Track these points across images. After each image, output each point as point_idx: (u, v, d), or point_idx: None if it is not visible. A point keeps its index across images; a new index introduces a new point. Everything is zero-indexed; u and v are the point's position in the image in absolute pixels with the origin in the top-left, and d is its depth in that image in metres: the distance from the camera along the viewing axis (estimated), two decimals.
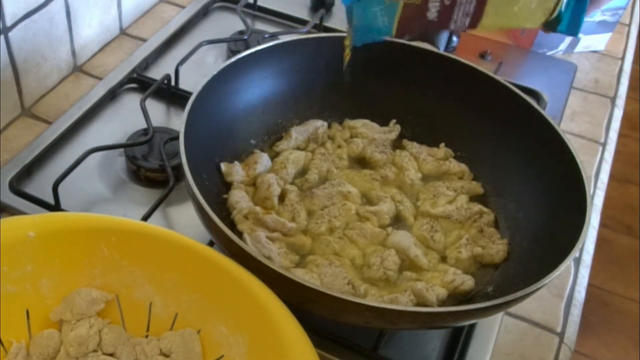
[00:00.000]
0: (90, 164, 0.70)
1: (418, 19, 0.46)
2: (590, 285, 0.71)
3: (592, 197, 0.77)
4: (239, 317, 0.50)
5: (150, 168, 0.71)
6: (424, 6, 0.45)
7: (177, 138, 0.57)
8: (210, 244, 0.58)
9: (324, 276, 0.57)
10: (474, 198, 0.67)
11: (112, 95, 0.81)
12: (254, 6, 0.97)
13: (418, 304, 0.57)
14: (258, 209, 0.61)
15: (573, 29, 0.48)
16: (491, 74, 0.68)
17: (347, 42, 0.48)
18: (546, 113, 0.64)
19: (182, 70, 0.80)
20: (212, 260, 0.51)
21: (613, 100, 0.92)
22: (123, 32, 0.91)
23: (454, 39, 0.91)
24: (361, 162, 0.70)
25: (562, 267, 0.51)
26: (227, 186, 0.65)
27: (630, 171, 2.15)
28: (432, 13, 0.46)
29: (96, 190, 0.70)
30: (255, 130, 0.70)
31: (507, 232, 0.64)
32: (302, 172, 0.68)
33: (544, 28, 0.49)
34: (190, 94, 0.60)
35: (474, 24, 0.46)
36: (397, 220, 0.64)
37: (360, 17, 0.46)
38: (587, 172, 0.59)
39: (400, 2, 0.45)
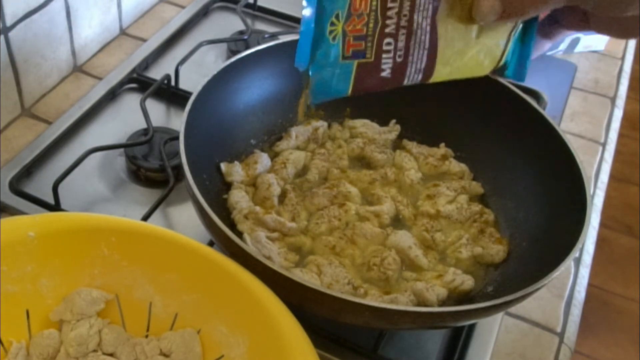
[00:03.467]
0: (90, 164, 0.70)
1: (373, 77, 0.47)
2: (590, 285, 0.71)
3: (592, 197, 0.77)
4: (239, 317, 0.50)
5: (150, 168, 0.71)
6: (378, 65, 0.46)
7: (177, 138, 0.57)
8: (210, 244, 0.58)
9: (324, 276, 0.57)
10: (474, 198, 0.67)
11: (112, 95, 0.81)
12: (254, 6, 0.97)
13: (418, 304, 0.57)
14: (258, 209, 0.61)
15: (520, 74, 0.50)
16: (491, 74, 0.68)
17: (301, 101, 0.49)
18: (546, 113, 0.64)
19: (182, 70, 0.80)
20: (212, 260, 0.51)
21: (613, 100, 0.92)
22: (123, 32, 0.91)
23: None
24: (361, 162, 0.70)
25: (562, 267, 0.51)
26: (227, 186, 0.65)
27: (630, 171, 2.15)
28: (386, 71, 0.47)
29: (96, 190, 0.70)
30: (255, 130, 0.70)
31: (507, 232, 0.64)
32: (302, 172, 0.68)
33: (491, 74, 0.51)
34: (190, 94, 0.60)
35: (426, 78, 0.48)
36: (397, 220, 0.64)
37: (316, 80, 0.47)
38: (587, 172, 0.59)
39: (354, 63, 0.46)
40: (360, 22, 0.45)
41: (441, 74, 0.48)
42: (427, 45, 0.46)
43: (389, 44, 0.46)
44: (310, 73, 0.46)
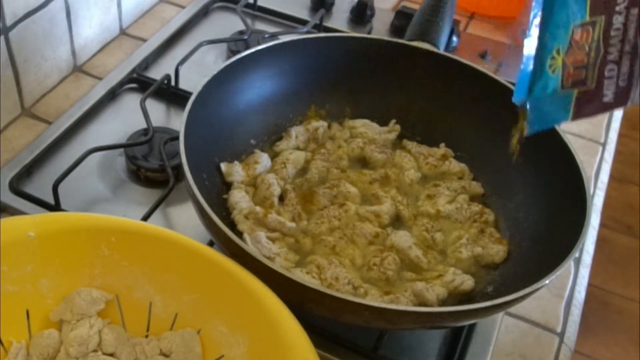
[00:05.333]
0: (90, 164, 0.70)
1: (593, 103, 0.47)
2: (590, 285, 0.71)
3: (592, 197, 0.77)
4: (239, 317, 0.50)
5: (150, 168, 0.71)
6: (599, 91, 0.46)
7: (177, 138, 0.57)
8: (210, 244, 0.58)
9: (324, 276, 0.57)
10: (474, 198, 0.67)
11: (112, 95, 0.81)
12: (254, 6, 0.97)
13: (418, 304, 0.57)
14: (258, 209, 0.61)
15: None
16: (491, 74, 0.68)
17: (516, 134, 0.50)
18: None
19: (182, 70, 0.80)
20: (212, 260, 0.51)
21: None
22: (123, 32, 0.91)
23: (454, 39, 0.91)
24: (361, 162, 0.70)
25: (562, 267, 0.51)
26: (227, 186, 0.65)
27: (630, 171, 2.15)
28: (608, 97, 0.46)
29: (96, 190, 0.70)
30: (255, 130, 0.70)
31: (507, 232, 0.64)
32: (302, 172, 0.68)
33: None
34: (190, 94, 0.60)
35: None
36: (397, 220, 0.64)
37: (534, 112, 0.48)
38: (587, 172, 0.59)
39: (574, 93, 0.46)
40: (581, 53, 0.45)
41: None
42: None
43: (611, 70, 0.46)
44: (527, 106, 0.47)
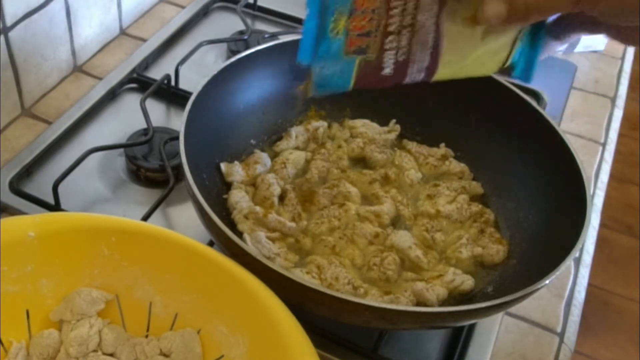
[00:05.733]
0: (90, 164, 0.70)
1: (374, 74, 0.47)
2: (590, 285, 0.71)
3: (592, 197, 0.77)
4: (239, 317, 0.50)
5: (150, 168, 0.71)
6: (380, 63, 0.47)
7: (177, 138, 0.57)
8: (210, 244, 0.58)
9: (324, 276, 0.57)
10: (474, 198, 0.67)
11: (112, 95, 0.81)
12: (254, 6, 0.97)
13: (418, 304, 0.57)
14: (258, 209, 0.61)
15: (527, 76, 0.49)
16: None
17: (303, 89, 0.50)
18: (546, 113, 0.64)
19: (182, 70, 0.80)
20: (212, 260, 0.51)
21: (613, 100, 0.92)
22: (123, 32, 0.91)
23: None
24: (361, 162, 0.70)
25: (562, 267, 0.51)
26: (227, 186, 0.65)
27: (630, 171, 2.15)
28: (387, 70, 0.47)
29: (96, 190, 0.70)
30: (255, 130, 0.70)
31: (507, 232, 0.64)
32: (302, 172, 0.68)
33: (497, 74, 0.51)
34: (190, 94, 0.60)
35: (428, 77, 0.48)
36: (397, 220, 0.64)
37: (319, 75, 0.48)
38: (587, 172, 0.59)
39: (357, 60, 0.46)
40: (364, 19, 0.45)
41: (444, 73, 0.48)
42: (430, 45, 0.46)
43: (391, 42, 0.46)
44: (312, 68, 0.47)
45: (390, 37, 0.46)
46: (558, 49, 0.50)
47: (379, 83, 0.47)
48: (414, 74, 0.47)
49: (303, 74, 0.48)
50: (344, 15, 0.45)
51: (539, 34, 0.48)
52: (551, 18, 0.48)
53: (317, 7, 0.45)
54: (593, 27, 0.47)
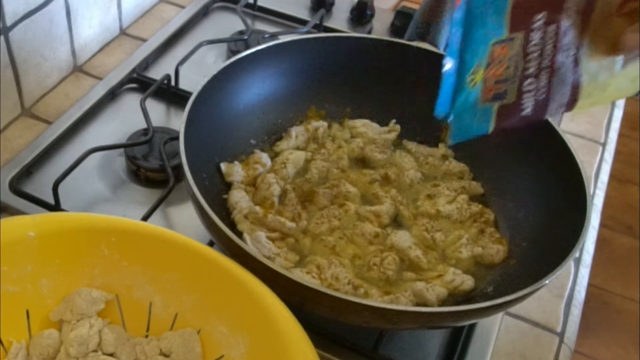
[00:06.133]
0: (90, 164, 0.70)
1: (513, 116, 0.48)
2: (590, 285, 0.71)
3: (592, 197, 0.77)
4: (239, 317, 0.50)
5: (150, 168, 0.71)
6: (519, 105, 0.47)
7: (177, 138, 0.57)
8: (210, 244, 0.58)
9: (324, 276, 0.57)
10: (474, 198, 0.67)
11: (112, 95, 0.81)
12: (254, 6, 0.97)
13: (418, 304, 0.57)
14: (258, 209, 0.61)
15: None
16: None
17: (444, 138, 0.53)
18: None
19: (182, 70, 0.80)
20: (212, 260, 0.51)
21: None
22: (123, 32, 0.91)
23: None
24: (361, 162, 0.70)
25: (562, 267, 0.51)
26: (227, 186, 0.65)
27: (630, 171, 2.15)
28: (527, 110, 0.47)
29: (96, 190, 0.70)
30: (255, 130, 0.70)
31: (507, 232, 0.64)
32: (302, 172, 0.68)
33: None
34: (190, 94, 0.60)
35: (568, 110, 0.48)
36: (397, 220, 0.64)
37: (457, 126, 0.49)
38: (587, 172, 0.59)
39: (495, 106, 0.47)
40: (501, 68, 0.46)
41: (584, 104, 0.48)
42: (570, 82, 0.46)
43: (530, 84, 0.46)
44: (450, 120, 0.49)
45: (529, 80, 0.46)
46: None
47: (519, 124, 0.48)
48: (553, 111, 0.48)
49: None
50: (482, 68, 0.46)
51: None
52: None
53: (456, 62, 0.46)
54: None
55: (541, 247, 0.59)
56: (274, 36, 0.87)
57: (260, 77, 0.68)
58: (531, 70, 0.46)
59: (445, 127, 0.50)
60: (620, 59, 0.46)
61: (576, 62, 0.46)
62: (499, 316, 0.63)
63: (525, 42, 0.46)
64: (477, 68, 0.47)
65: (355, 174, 0.67)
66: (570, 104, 0.47)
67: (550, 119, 0.63)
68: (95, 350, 0.52)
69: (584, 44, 0.46)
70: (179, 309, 0.53)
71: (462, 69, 0.47)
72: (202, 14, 0.96)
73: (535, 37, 0.46)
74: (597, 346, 1.69)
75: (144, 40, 0.90)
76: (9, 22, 0.70)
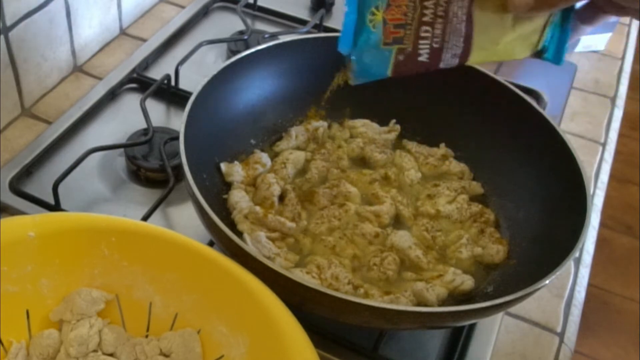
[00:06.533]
0: (90, 164, 0.70)
1: (411, 61, 0.51)
2: (590, 285, 0.71)
3: (592, 197, 0.77)
4: (239, 317, 0.50)
5: (150, 168, 0.71)
6: (415, 50, 0.50)
7: (177, 138, 0.57)
8: (210, 244, 0.58)
9: (324, 276, 0.57)
10: (474, 198, 0.67)
11: (112, 95, 0.81)
12: (254, 6, 0.97)
13: (418, 304, 0.57)
14: (258, 209, 0.61)
15: (557, 58, 0.52)
16: (491, 74, 0.68)
17: (345, 77, 0.54)
18: (546, 113, 0.64)
19: (182, 70, 0.80)
20: (212, 260, 0.51)
21: (613, 100, 0.92)
22: (123, 32, 0.91)
23: None
24: (361, 162, 0.70)
25: (562, 267, 0.51)
26: (227, 186, 0.65)
27: (630, 171, 2.15)
28: (423, 56, 0.50)
29: (96, 190, 0.70)
30: (255, 130, 0.70)
31: (507, 232, 0.64)
32: (302, 172, 0.68)
33: (529, 57, 0.53)
34: (190, 94, 0.60)
35: (462, 62, 0.51)
36: (397, 220, 0.64)
37: (358, 64, 0.51)
38: (587, 172, 0.59)
39: (394, 49, 0.50)
40: (399, 12, 0.49)
41: (477, 57, 0.50)
42: (462, 33, 0.49)
43: (426, 31, 0.49)
44: (352, 57, 0.51)
45: (425, 27, 0.49)
46: (587, 31, 0.52)
47: (415, 69, 0.51)
48: (448, 60, 0.50)
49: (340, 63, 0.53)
50: (381, 9, 0.49)
51: (569, 18, 0.50)
52: (581, 3, 0.49)
53: (356, 2, 0.49)
54: (621, 10, 0.48)
55: (541, 247, 0.59)
56: (274, 36, 0.87)
57: (260, 77, 0.68)
58: (427, 17, 0.49)
59: (347, 65, 0.52)
60: (510, 15, 0.48)
61: (469, 14, 0.48)
62: (499, 316, 0.63)
63: None
64: (376, 9, 0.49)
65: (355, 174, 0.67)
66: (464, 56, 0.50)
67: (550, 119, 0.63)
68: (95, 350, 0.52)
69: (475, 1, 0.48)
70: (179, 309, 0.53)
71: (362, 6, 0.49)
72: (202, 14, 0.96)
73: None
74: (597, 346, 1.68)
75: (144, 40, 0.90)
76: (9, 22, 0.70)
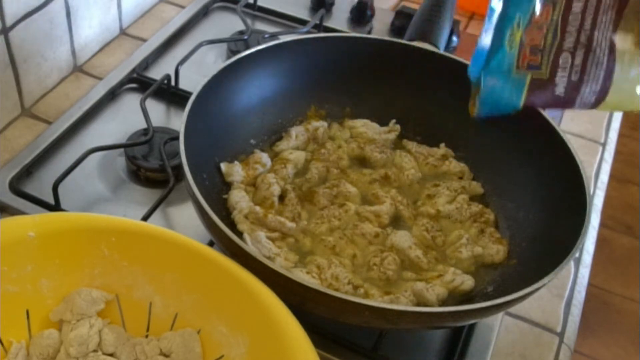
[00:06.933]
0: (90, 164, 0.70)
1: (545, 93, 0.47)
2: (590, 285, 0.71)
3: (592, 197, 0.77)
4: (239, 317, 0.50)
5: (150, 168, 0.71)
6: (552, 82, 0.46)
7: (177, 138, 0.57)
8: (210, 244, 0.58)
9: (324, 276, 0.57)
10: (474, 198, 0.67)
11: (112, 95, 0.81)
12: (254, 6, 0.97)
13: (418, 304, 0.57)
14: (258, 209, 0.61)
15: None
16: None
17: (471, 109, 0.50)
18: (546, 113, 0.64)
19: (182, 70, 0.80)
20: (212, 260, 0.51)
21: None
22: (123, 32, 0.91)
23: (454, 39, 0.91)
24: (361, 162, 0.70)
25: (562, 267, 0.51)
26: (227, 186, 0.65)
27: (630, 171, 2.15)
28: (560, 89, 0.46)
29: (96, 190, 0.70)
30: (255, 130, 0.70)
31: (507, 232, 0.64)
32: (302, 172, 0.68)
33: None
34: (190, 94, 0.60)
35: (597, 101, 0.47)
36: (397, 220, 0.64)
37: (488, 89, 0.47)
38: (587, 172, 0.59)
39: (528, 77, 0.46)
40: (539, 34, 0.45)
41: (612, 99, 0.46)
42: (604, 66, 0.45)
43: (565, 59, 0.45)
44: (482, 80, 0.47)
45: (565, 54, 0.45)
46: None
47: (549, 104, 0.47)
48: (586, 96, 0.46)
49: None
50: (522, 27, 0.45)
51: None
52: None
53: (498, 16, 0.45)
54: None
55: (541, 247, 0.59)
56: (274, 36, 0.87)
57: (260, 77, 0.68)
58: (568, 43, 0.45)
59: (475, 92, 0.47)
60: None
61: (612, 46, 0.45)
62: (499, 316, 0.63)
63: (566, 9, 0.45)
64: (517, 26, 0.45)
65: (355, 174, 0.67)
66: (602, 93, 0.46)
67: (550, 120, 0.63)
68: (95, 350, 0.52)
69: (621, 25, 0.44)
70: (179, 309, 0.53)
71: (502, 24, 0.45)
72: (202, 14, 0.96)
73: (577, 5, 0.44)
74: (597, 346, 1.69)
75: (144, 40, 0.90)
76: (9, 22, 0.70)
